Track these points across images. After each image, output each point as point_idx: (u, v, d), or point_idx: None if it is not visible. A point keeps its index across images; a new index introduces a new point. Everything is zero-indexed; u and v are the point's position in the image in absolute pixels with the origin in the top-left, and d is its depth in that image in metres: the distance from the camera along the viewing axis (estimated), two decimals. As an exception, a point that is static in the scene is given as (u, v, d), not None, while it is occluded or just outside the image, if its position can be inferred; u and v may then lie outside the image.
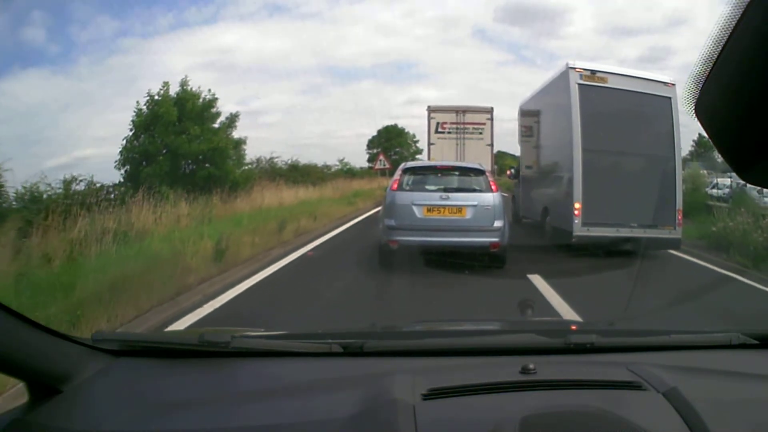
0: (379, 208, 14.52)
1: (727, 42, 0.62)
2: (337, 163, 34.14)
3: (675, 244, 9.07)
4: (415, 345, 1.77)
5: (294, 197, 18.30)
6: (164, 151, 18.20)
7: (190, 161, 18.77)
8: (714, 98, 0.68)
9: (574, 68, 9.09)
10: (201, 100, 19.14)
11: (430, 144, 16.17)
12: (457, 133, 16.01)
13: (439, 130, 16.17)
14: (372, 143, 41.73)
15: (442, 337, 1.97)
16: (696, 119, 0.71)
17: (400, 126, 42.79)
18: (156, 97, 18.40)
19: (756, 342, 1.72)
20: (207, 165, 18.47)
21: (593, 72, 9.09)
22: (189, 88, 18.95)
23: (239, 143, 20.94)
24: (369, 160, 36.77)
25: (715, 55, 0.64)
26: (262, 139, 50.29)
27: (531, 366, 1.39)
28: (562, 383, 1.39)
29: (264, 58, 48.65)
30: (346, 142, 60.49)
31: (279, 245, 9.66)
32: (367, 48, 54.52)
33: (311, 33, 46.08)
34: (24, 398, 1.36)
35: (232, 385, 1.46)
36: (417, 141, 40.75)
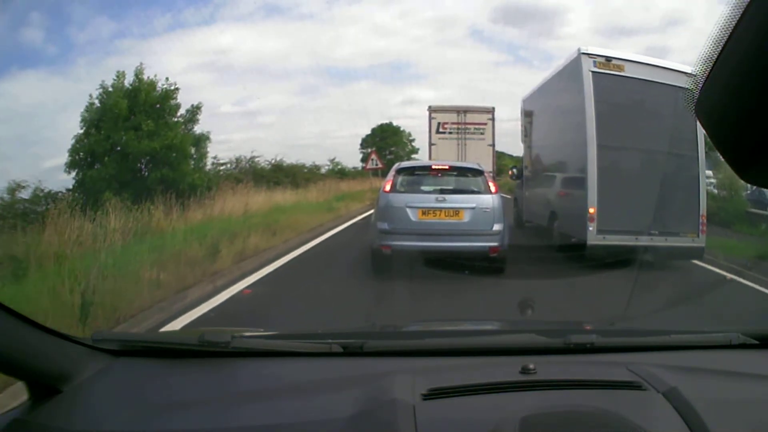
0: (365, 216, 13.42)
1: (727, 42, 0.62)
2: (328, 163, 31.96)
3: (698, 253, 8.17)
4: (415, 345, 1.77)
5: (266, 202, 15.18)
6: (117, 150, 15.80)
7: (144, 162, 16.23)
8: (714, 98, 0.68)
9: (587, 54, 8.03)
10: (159, 89, 16.45)
11: (431, 144, 16.11)
12: (458, 133, 15.97)
13: (440, 130, 16.13)
14: (366, 142, 38.93)
15: (442, 337, 1.97)
16: (696, 119, 0.71)
17: (395, 125, 40.50)
18: (110, 89, 15.94)
19: (756, 342, 1.72)
20: (161, 166, 15.96)
21: (608, 59, 8.04)
22: (146, 77, 16.30)
23: (201, 140, 17.88)
24: (362, 160, 34.44)
25: (715, 55, 0.63)
26: (260, 139, 50.01)
27: (531, 366, 1.40)
28: (562, 383, 1.39)
29: (261, 59, 48.34)
30: (342, 143, 59.95)
31: (205, 279, 6.66)
32: (363, 49, 54.06)
33: (308, 34, 45.79)
34: (24, 398, 1.36)
35: (232, 385, 1.46)
36: (413, 140, 39.28)
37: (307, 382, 1.44)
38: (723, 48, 0.62)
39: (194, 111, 17.78)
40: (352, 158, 47.61)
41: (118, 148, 15.71)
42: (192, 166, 17.11)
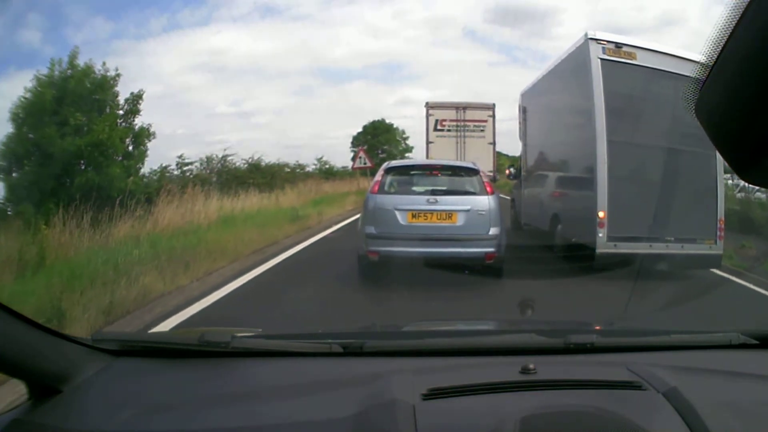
0: (342, 226, 12.28)
1: (727, 42, 0.62)
2: (315, 162, 30.24)
3: (715, 261, 7.48)
4: (415, 345, 1.77)
5: (218, 210, 12.23)
6: (40, 151, 13.10)
7: (81, 164, 13.34)
8: (714, 98, 0.68)
9: (596, 39, 7.29)
10: (96, 76, 13.58)
11: (428, 142, 15.64)
12: (457, 130, 15.52)
13: (438, 127, 15.63)
14: (357, 140, 37.07)
15: (442, 337, 1.97)
16: (696, 119, 0.71)
17: (388, 122, 39.37)
18: (43, 78, 13.44)
19: (756, 342, 1.72)
20: (89, 168, 13.24)
21: (618, 45, 7.31)
22: (84, 63, 13.48)
23: (141, 135, 14.82)
24: (352, 159, 34.00)
25: (715, 55, 0.64)
26: (255, 140, 50.10)
27: (531, 366, 1.40)
28: (562, 383, 1.39)
29: (257, 60, 48.78)
30: (337, 143, 60.30)
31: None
32: (358, 49, 54.45)
33: (303, 35, 46.10)
34: (24, 398, 1.36)
35: (232, 385, 1.46)
36: (407, 138, 38.64)
37: (307, 382, 1.43)
38: (723, 48, 0.62)
39: (134, 100, 14.69)
40: (345, 158, 47.33)
41: (47, 150, 13.03)
42: (129, 168, 14.11)
